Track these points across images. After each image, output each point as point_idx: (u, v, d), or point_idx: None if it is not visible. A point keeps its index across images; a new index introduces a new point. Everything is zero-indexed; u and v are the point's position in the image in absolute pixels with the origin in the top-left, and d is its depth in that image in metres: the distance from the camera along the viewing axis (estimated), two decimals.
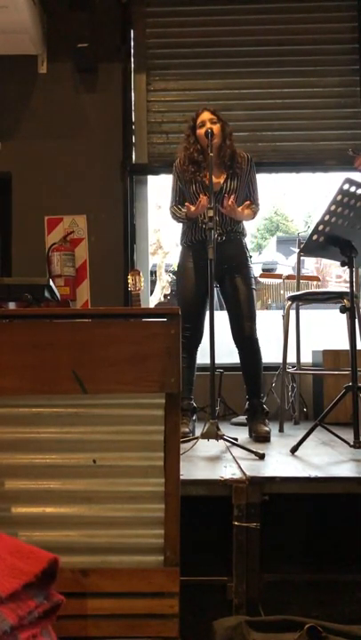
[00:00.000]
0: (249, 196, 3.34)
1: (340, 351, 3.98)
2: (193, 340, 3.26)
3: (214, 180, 3.13)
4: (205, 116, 3.28)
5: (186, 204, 3.28)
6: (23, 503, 1.85)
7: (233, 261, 3.26)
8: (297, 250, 4.34)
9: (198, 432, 2.80)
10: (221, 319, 3.28)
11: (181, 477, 1.91)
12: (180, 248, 3.46)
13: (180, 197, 3.40)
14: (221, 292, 3.38)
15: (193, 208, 3.15)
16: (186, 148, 3.34)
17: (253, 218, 3.39)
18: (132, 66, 4.50)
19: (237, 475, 2.28)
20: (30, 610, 1.40)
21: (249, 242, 3.47)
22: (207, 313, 3.10)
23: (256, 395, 3.28)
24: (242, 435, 3.16)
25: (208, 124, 3.23)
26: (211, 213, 2.91)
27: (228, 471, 2.35)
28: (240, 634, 1.82)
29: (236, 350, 3.32)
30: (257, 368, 3.29)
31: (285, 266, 17.54)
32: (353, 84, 4.47)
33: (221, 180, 3.27)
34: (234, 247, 3.30)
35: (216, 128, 3.23)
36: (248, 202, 3.30)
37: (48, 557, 1.50)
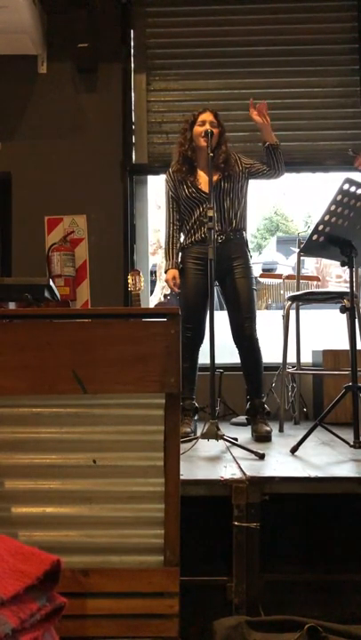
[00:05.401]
0: (260, 167, 3.40)
1: (340, 351, 3.97)
2: (195, 340, 3.26)
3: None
4: (207, 116, 3.29)
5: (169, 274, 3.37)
6: (23, 503, 1.85)
7: (233, 261, 3.27)
8: (297, 250, 4.33)
9: (200, 432, 2.80)
10: (222, 319, 3.28)
11: (181, 477, 1.91)
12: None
13: (176, 213, 3.39)
14: (222, 291, 3.37)
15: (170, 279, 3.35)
16: (181, 144, 3.34)
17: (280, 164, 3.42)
18: (132, 66, 4.49)
19: (237, 475, 2.28)
20: (32, 612, 1.39)
21: (249, 242, 3.46)
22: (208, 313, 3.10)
23: (257, 394, 3.29)
24: (242, 435, 3.16)
25: (207, 126, 3.23)
26: (211, 213, 2.91)
27: (228, 471, 2.35)
28: (240, 634, 1.82)
29: (236, 350, 3.32)
30: (257, 368, 3.29)
31: (285, 266, 17.56)
32: (353, 84, 4.46)
33: (216, 179, 3.26)
34: (234, 247, 3.30)
35: (215, 131, 3.24)
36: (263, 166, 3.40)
37: (50, 559, 1.49)
